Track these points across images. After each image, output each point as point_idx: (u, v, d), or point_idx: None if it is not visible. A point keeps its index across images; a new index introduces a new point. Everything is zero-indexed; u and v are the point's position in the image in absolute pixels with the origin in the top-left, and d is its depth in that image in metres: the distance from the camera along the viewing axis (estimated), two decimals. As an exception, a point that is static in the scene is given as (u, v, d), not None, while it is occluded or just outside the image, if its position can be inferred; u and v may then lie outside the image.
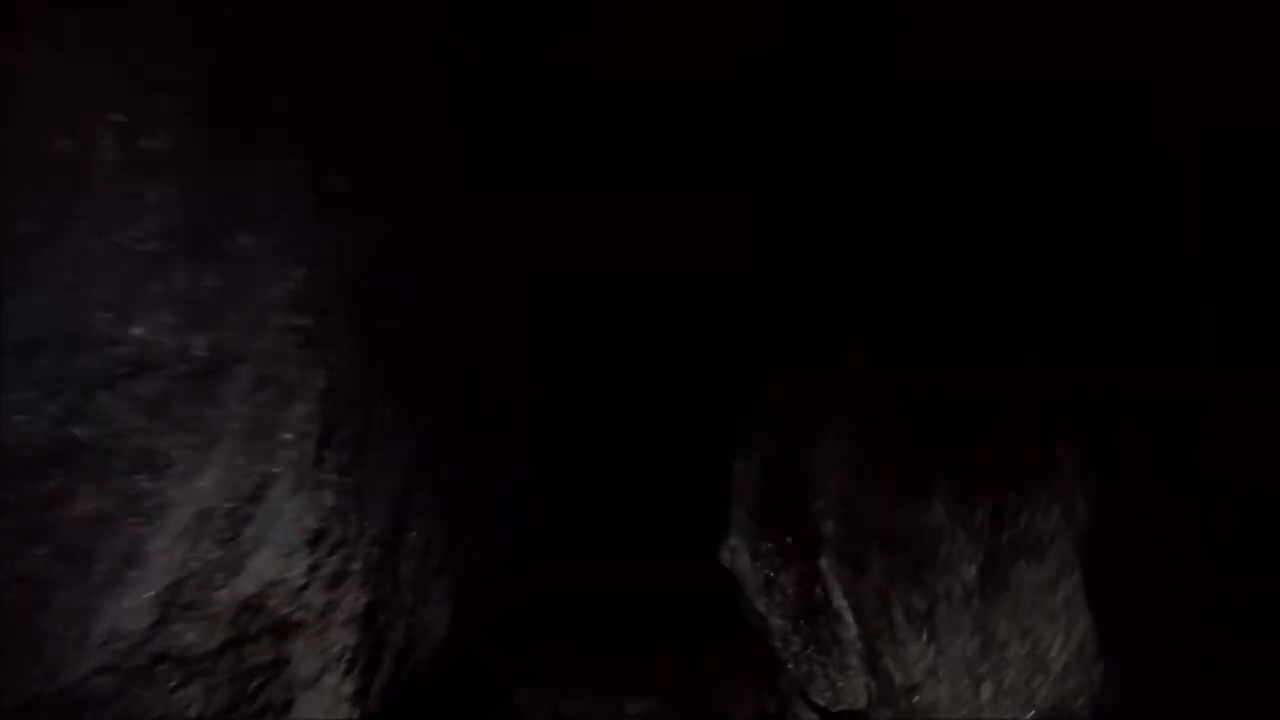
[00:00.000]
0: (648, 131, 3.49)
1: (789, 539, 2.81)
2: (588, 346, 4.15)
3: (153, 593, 1.97)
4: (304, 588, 2.26)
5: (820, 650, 2.76)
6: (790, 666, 2.84)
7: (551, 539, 4.07)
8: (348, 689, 2.41)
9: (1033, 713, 2.05)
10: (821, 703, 2.72)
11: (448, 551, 3.03)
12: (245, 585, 2.16)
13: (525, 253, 3.74)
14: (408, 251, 2.85)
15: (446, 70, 3.16)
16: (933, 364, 2.28)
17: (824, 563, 2.74)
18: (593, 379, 4.20)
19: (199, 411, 2.06)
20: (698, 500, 3.97)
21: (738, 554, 2.98)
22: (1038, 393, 2.09)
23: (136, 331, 1.93)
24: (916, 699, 2.25)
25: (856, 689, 2.64)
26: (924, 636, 2.25)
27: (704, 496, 3.96)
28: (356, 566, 2.48)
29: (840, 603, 2.69)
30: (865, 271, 2.63)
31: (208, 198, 2.01)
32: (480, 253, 3.43)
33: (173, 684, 2.00)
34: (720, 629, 3.48)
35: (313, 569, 2.29)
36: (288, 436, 2.27)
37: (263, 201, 2.20)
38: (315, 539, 2.30)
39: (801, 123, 3.24)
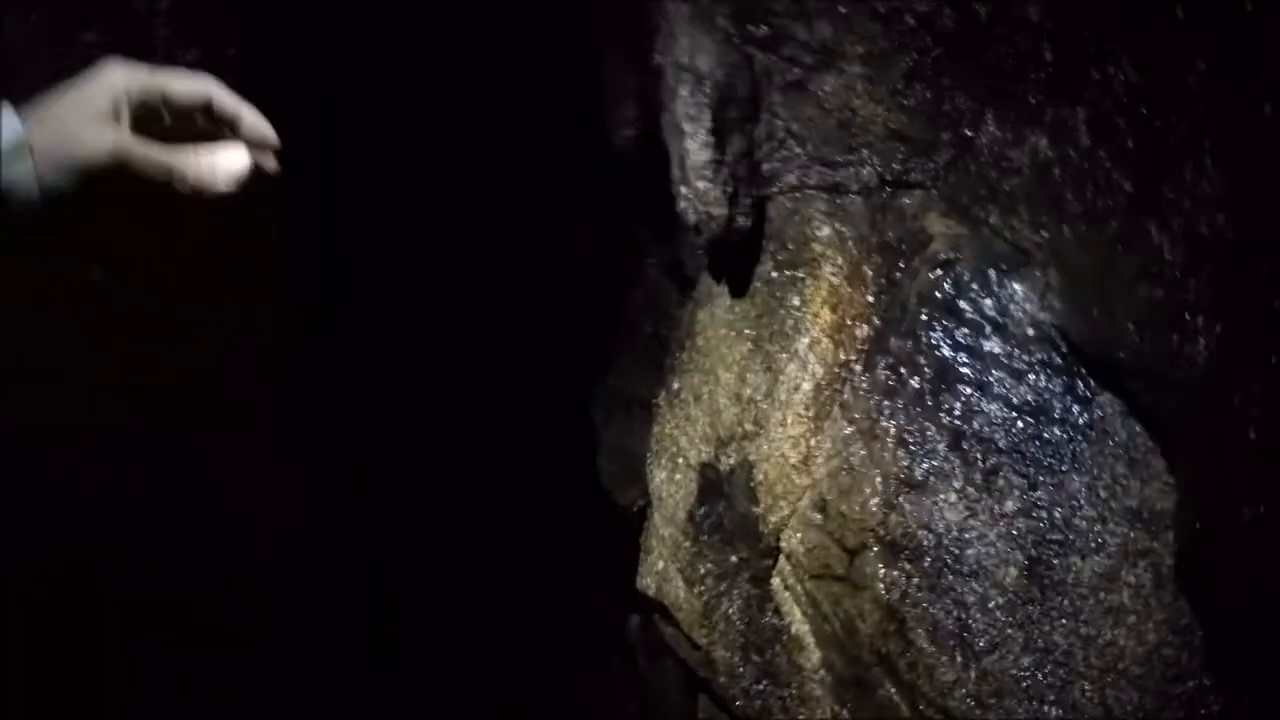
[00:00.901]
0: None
1: (734, 557, 2.41)
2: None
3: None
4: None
5: (776, 683, 2.38)
6: (739, 704, 2.43)
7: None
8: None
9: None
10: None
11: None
12: None
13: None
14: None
15: None
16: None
17: (777, 582, 2.37)
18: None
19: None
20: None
21: (666, 579, 2.53)
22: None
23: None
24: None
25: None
26: (959, 657, 1.94)
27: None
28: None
29: (801, 628, 2.33)
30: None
31: None
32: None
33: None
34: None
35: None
36: None
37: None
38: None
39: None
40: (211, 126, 0.93)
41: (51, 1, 1.97)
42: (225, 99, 0.93)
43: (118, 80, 0.86)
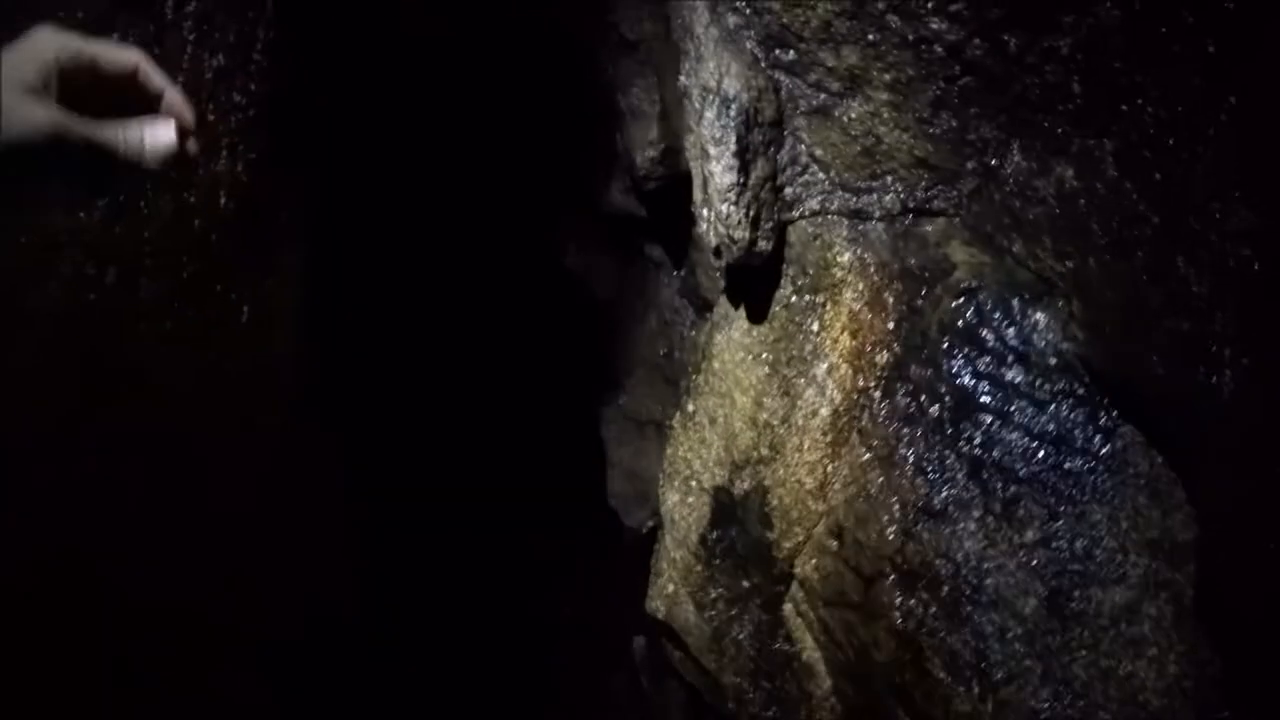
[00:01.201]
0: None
1: (746, 582, 2.42)
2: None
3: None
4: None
5: (785, 710, 2.39)
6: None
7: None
8: None
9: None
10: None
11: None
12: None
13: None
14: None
15: None
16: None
17: (789, 608, 2.38)
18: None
19: None
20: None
21: (676, 603, 2.53)
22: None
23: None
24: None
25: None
26: (976, 688, 1.95)
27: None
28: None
29: (812, 655, 2.34)
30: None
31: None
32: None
33: None
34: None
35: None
36: None
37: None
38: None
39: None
40: (136, 97, 0.96)
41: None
42: (151, 71, 0.97)
43: (48, 49, 0.88)
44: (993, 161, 2.07)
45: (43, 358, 2.27)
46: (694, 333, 2.81)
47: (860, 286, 2.25)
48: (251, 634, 2.78)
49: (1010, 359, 2.02)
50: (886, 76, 2.12)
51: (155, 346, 2.46)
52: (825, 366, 2.28)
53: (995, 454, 2.01)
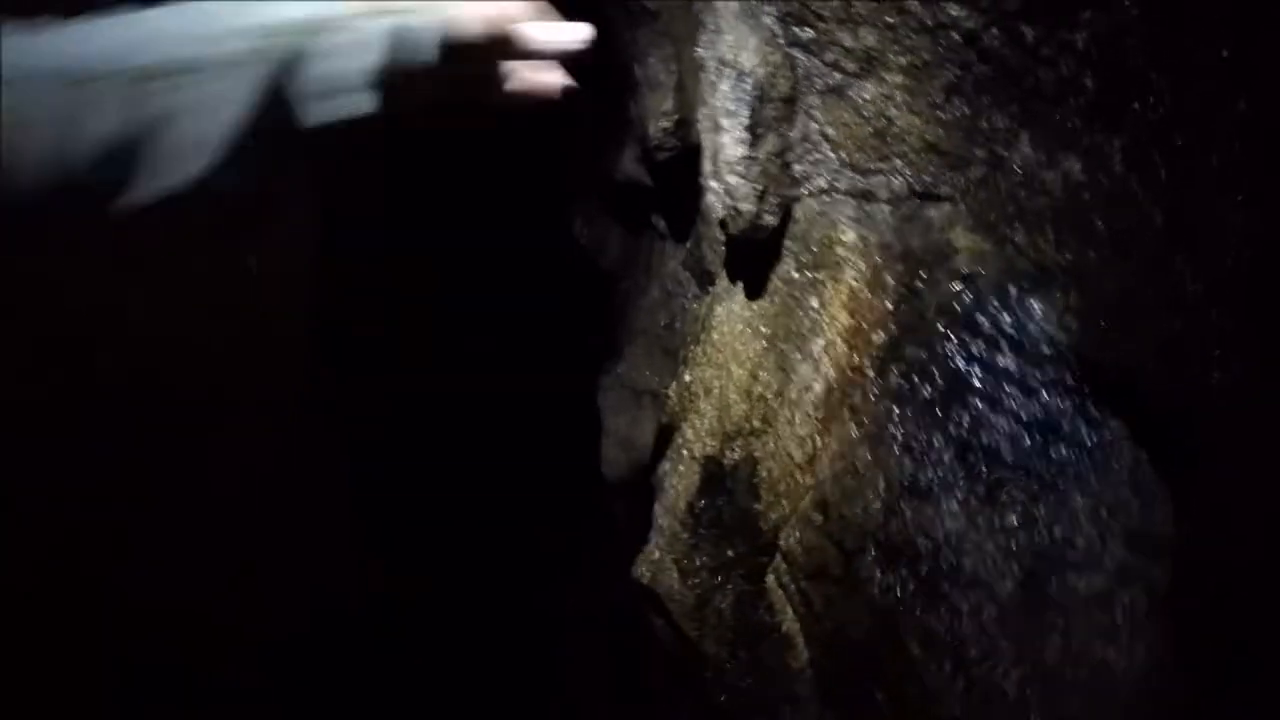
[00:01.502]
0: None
1: (730, 552, 2.45)
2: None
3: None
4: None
5: (763, 680, 2.43)
6: (723, 699, 2.48)
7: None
8: None
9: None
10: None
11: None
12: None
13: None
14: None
15: None
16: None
17: (771, 580, 2.41)
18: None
19: None
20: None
21: (661, 569, 2.57)
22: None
23: None
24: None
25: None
26: (948, 665, 1.98)
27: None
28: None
29: (792, 626, 2.38)
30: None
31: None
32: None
33: None
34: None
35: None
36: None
37: None
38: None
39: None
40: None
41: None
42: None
43: None
44: (1002, 151, 2.08)
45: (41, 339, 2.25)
46: (696, 305, 2.83)
47: (862, 266, 2.27)
48: (256, 627, 2.80)
49: (1004, 345, 2.04)
50: (902, 60, 2.13)
51: (161, 337, 2.46)
52: (822, 343, 2.30)
53: (983, 437, 2.03)
